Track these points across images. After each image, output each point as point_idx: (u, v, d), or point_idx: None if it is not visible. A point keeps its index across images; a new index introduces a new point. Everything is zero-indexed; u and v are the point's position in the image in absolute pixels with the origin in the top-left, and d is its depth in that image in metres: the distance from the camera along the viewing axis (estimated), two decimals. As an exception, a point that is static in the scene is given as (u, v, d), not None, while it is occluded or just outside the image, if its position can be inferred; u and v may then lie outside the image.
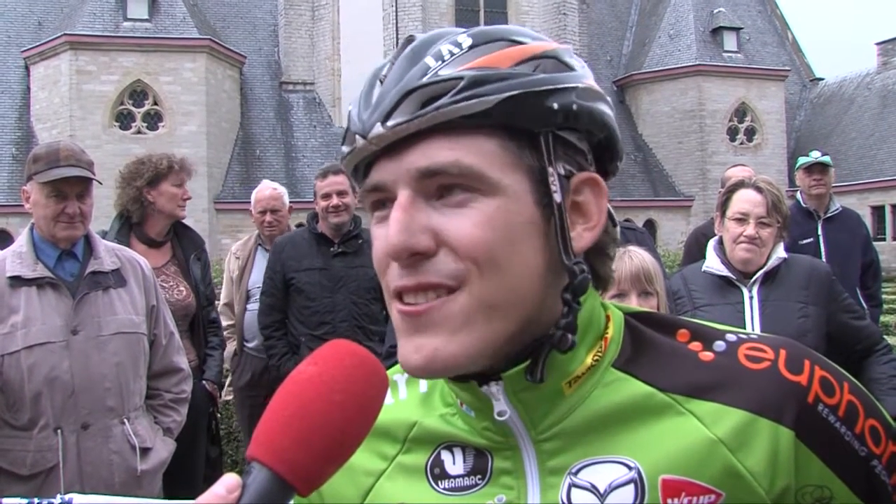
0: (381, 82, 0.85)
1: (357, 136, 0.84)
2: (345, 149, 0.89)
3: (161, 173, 4.30)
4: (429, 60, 0.82)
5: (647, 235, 4.43)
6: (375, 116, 0.82)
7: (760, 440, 0.84)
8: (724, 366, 0.88)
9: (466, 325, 0.82)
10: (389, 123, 0.81)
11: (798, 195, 5.76)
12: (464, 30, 0.86)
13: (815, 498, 0.85)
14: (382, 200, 0.86)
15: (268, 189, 5.69)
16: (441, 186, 0.82)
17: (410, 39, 0.86)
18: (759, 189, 3.24)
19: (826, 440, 0.85)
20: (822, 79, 44.09)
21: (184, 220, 4.60)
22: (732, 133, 38.01)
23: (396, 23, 33.49)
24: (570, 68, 0.86)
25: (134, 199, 4.31)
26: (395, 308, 0.85)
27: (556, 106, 0.83)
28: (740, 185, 3.32)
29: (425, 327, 0.82)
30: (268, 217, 5.59)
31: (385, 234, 0.83)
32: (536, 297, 0.85)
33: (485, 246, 0.81)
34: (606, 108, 0.89)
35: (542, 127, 0.84)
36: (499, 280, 0.81)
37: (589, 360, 0.89)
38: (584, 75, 0.88)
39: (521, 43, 0.85)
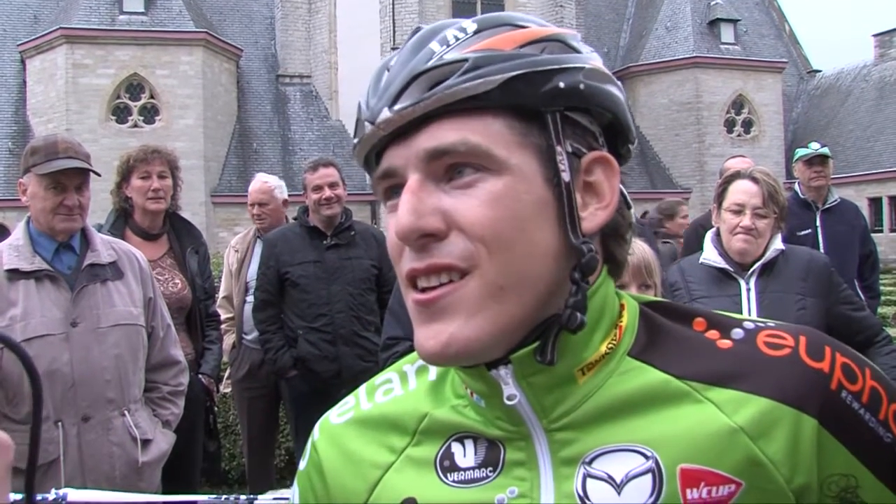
0: (389, 71, 0.85)
1: (366, 123, 0.85)
2: (355, 140, 0.89)
3: (130, 168, 4.31)
4: (434, 46, 0.83)
5: (646, 227, 4.45)
6: (383, 102, 0.83)
7: (782, 428, 0.82)
8: (743, 353, 0.86)
9: (480, 309, 0.81)
10: (396, 107, 0.82)
11: (796, 186, 5.76)
12: (470, 18, 0.87)
13: (840, 487, 0.84)
14: (394, 188, 0.86)
15: (258, 182, 5.74)
16: (450, 168, 0.82)
17: (417, 30, 0.87)
18: (755, 180, 3.23)
19: (850, 428, 0.83)
20: (820, 71, 44.09)
21: (180, 213, 4.60)
22: (730, 125, 38.01)
23: (393, 15, 33.43)
24: (576, 51, 0.87)
25: (118, 195, 4.36)
26: (409, 297, 0.84)
27: (562, 85, 0.83)
28: (736, 175, 3.32)
29: (440, 313, 0.82)
30: (255, 210, 5.66)
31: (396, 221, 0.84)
32: (549, 277, 0.84)
33: (492, 225, 0.80)
34: (616, 90, 0.89)
35: (548, 106, 0.83)
36: (507, 260, 0.81)
37: (603, 348, 0.88)
38: (591, 58, 0.88)
39: (525, 27, 0.85)
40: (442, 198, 0.82)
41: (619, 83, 0.91)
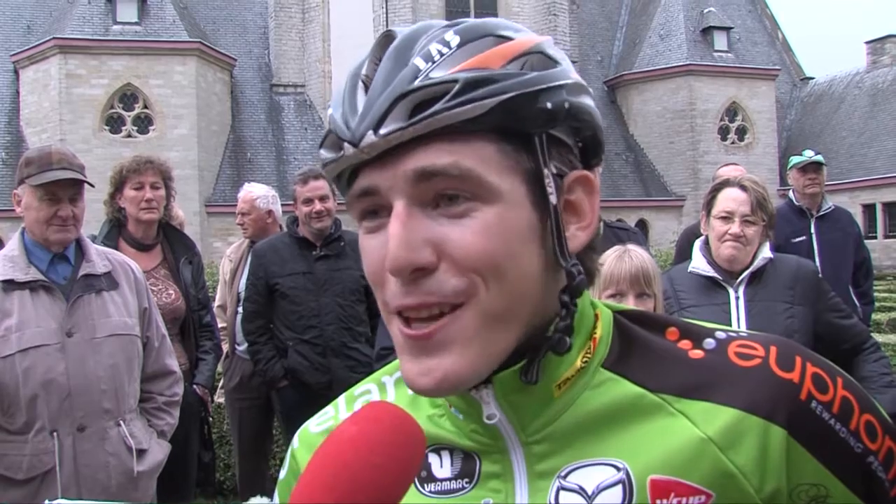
0: (365, 84, 0.81)
1: (346, 144, 0.80)
2: (327, 154, 0.84)
3: (123, 178, 4.32)
4: (418, 62, 0.78)
5: (640, 235, 4.43)
6: (366, 124, 0.78)
7: (750, 438, 0.82)
8: (714, 364, 0.86)
9: (474, 340, 0.79)
10: (382, 131, 0.77)
11: (790, 194, 5.80)
12: (445, 23, 0.83)
13: (810, 496, 0.83)
14: (373, 209, 0.82)
15: (242, 191, 5.78)
16: (438, 195, 0.78)
17: (390, 35, 0.82)
18: (743, 188, 3.25)
19: (820, 438, 0.83)
20: (813, 78, 44.21)
21: (172, 224, 4.60)
22: (723, 132, 38.09)
23: (387, 24, 33.46)
24: (555, 62, 0.84)
25: (111, 205, 4.36)
26: (396, 327, 0.82)
27: (549, 105, 0.80)
28: (725, 183, 3.33)
29: (434, 348, 0.80)
30: (238, 219, 5.72)
31: (377, 245, 0.81)
32: (536, 301, 0.83)
33: (487, 256, 0.78)
34: (591, 102, 0.87)
35: (536, 128, 0.81)
36: (502, 290, 0.79)
37: (578, 363, 0.87)
38: (569, 69, 0.85)
39: (507, 38, 0.82)
40: (431, 226, 0.78)
41: (591, 92, 0.88)
